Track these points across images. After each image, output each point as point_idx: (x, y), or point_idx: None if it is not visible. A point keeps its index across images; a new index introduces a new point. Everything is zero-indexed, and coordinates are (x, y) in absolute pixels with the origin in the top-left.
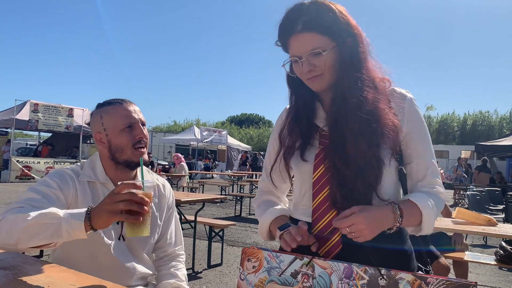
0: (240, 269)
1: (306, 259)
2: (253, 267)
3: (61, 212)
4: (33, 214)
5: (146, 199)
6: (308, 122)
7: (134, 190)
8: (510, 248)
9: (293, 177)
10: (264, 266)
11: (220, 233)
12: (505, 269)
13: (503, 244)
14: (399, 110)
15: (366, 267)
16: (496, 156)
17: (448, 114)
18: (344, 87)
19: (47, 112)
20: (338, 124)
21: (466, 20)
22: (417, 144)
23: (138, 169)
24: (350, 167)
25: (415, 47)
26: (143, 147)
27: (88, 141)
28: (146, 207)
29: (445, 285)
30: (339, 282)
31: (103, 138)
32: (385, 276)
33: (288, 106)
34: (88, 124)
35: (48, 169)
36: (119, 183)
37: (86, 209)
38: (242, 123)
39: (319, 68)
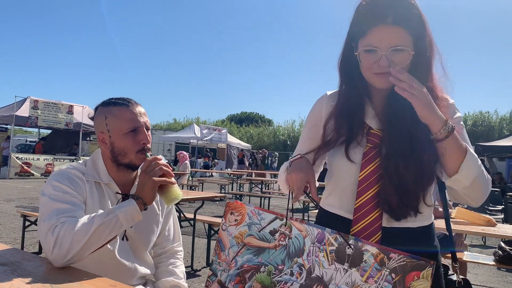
0: (222, 220)
1: (285, 220)
2: (235, 220)
3: (109, 208)
4: (87, 220)
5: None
6: (357, 119)
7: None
8: (509, 249)
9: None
10: (245, 220)
11: None
12: (504, 269)
13: (502, 244)
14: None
15: (337, 235)
16: (496, 156)
17: None
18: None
19: (47, 109)
20: (396, 125)
21: (466, 20)
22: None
23: (139, 170)
24: (408, 170)
25: None
26: (146, 152)
27: (88, 138)
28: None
29: (405, 262)
30: (312, 245)
31: (106, 139)
32: (352, 246)
33: (329, 93)
34: (92, 118)
35: (47, 166)
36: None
37: (130, 195)
38: (242, 121)
39: (396, 64)
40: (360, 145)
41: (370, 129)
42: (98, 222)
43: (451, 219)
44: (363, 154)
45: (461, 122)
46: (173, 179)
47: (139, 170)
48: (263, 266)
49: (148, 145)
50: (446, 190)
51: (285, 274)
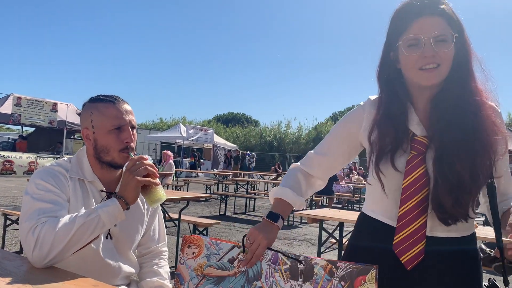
0: (180, 255)
1: (242, 247)
2: (193, 253)
3: (91, 208)
4: (69, 220)
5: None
6: (402, 126)
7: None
8: (489, 250)
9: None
10: (204, 252)
11: (204, 232)
12: (485, 271)
13: (483, 246)
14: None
15: (288, 254)
16: None
17: None
18: (454, 93)
19: (30, 106)
20: (444, 132)
21: None
22: (507, 157)
23: (124, 168)
24: (456, 177)
25: None
26: (129, 152)
27: (72, 137)
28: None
29: (351, 269)
30: (268, 266)
31: (90, 135)
32: (303, 262)
33: (372, 98)
34: (78, 114)
35: (30, 164)
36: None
37: (113, 194)
38: (228, 122)
39: (441, 56)
40: (406, 152)
41: (415, 136)
42: (80, 222)
43: None
44: (407, 161)
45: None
46: (157, 180)
47: (124, 169)
48: None
49: (132, 144)
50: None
51: None
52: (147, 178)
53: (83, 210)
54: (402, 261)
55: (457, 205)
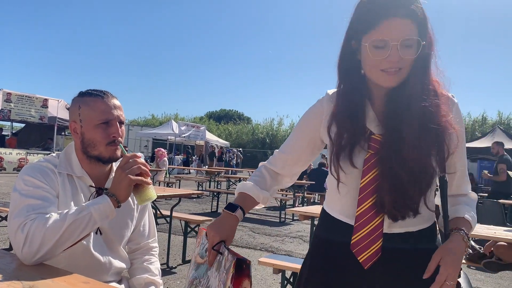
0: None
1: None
2: (198, 242)
3: (83, 205)
4: (60, 217)
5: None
6: (359, 123)
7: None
8: (479, 247)
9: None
10: (201, 242)
11: (196, 229)
12: (473, 267)
13: (472, 243)
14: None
15: (226, 248)
16: (468, 158)
17: None
18: (412, 91)
19: (21, 102)
20: (396, 130)
21: (439, 25)
22: (461, 153)
23: (114, 164)
24: (407, 173)
25: None
26: (117, 146)
27: (63, 133)
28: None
29: (230, 261)
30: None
31: (77, 128)
32: (221, 253)
33: (330, 92)
34: (68, 108)
35: (20, 160)
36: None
37: (104, 191)
38: (221, 118)
39: (405, 61)
40: (364, 150)
41: (371, 134)
42: (71, 219)
43: None
44: (364, 160)
45: (463, 125)
46: (149, 179)
47: (114, 165)
48: (195, 279)
49: (120, 138)
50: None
51: (200, 286)
52: (139, 178)
53: (73, 207)
54: (360, 260)
55: (397, 205)
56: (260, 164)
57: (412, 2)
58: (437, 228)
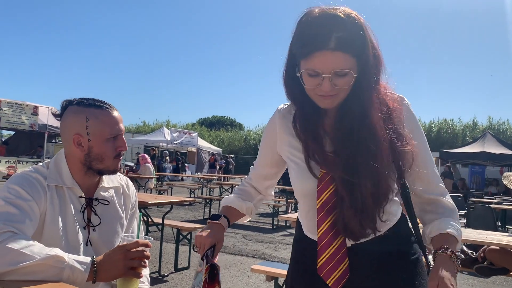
0: None
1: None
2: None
3: (65, 256)
4: (36, 250)
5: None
6: (312, 142)
7: (145, 248)
8: (471, 252)
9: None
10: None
11: (188, 236)
12: (466, 272)
13: (464, 248)
14: (404, 121)
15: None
16: (459, 163)
17: None
18: (357, 111)
19: (11, 109)
20: (345, 146)
21: (431, 31)
22: (423, 157)
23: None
24: (359, 190)
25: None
26: (120, 158)
27: (53, 140)
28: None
29: (204, 267)
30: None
31: (83, 142)
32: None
33: (281, 108)
34: (58, 115)
35: (9, 168)
36: (128, 239)
37: (91, 258)
38: (213, 125)
39: (339, 88)
40: (318, 168)
41: (325, 152)
42: (44, 261)
43: None
44: (318, 180)
45: (416, 125)
46: (142, 272)
47: (103, 176)
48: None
49: (124, 151)
50: (411, 199)
51: None
52: (134, 272)
53: (59, 251)
54: (329, 284)
55: (361, 227)
56: (242, 181)
57: (348, 29)
58: (409, 227)
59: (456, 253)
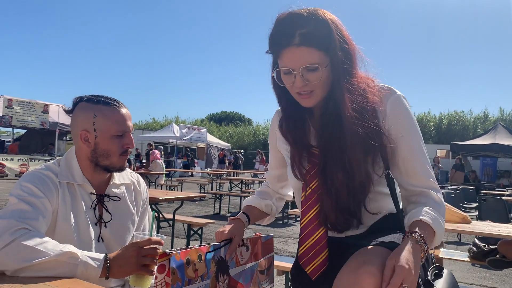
0: None
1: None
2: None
3: (78, 252)
4: (50, 247)
5: None
6: (300, 139)
7: (158, 246)
8: (483, 245)
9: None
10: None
11: (199, 231)
12: (478, 265)
13: (476, 241)
14: (386, 114)
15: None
16: (470, 155)
17: (424, 113)
18: (335, 106)
19: (22, 108)
20: (329, 141)
21: (441, 22)
22: (404, 146)
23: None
24: (343, 186)
25: (390, 48)
26: (127, 156)
27: (64, 138)
28: None
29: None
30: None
31: (90, 138)
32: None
33: (279, 109)
34: (69, 111)
35: (22, 166)
36: (141, 237)
37: (104, 254)
38: (221, 120)
39: (312, 84)
40: (306, 162)
41: (311, 148)
42: (58, 257)
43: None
44: (305, 173)
45: (405, 117)
46: (154, 269)
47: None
48: None
49: (131, 148)
50: (396, 192)
51: None
52: (146, 269)
53: (72, 248)
54: (307, 272)
55: (339, 220)
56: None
57: (311, 25)
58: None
59: (424, 238)
